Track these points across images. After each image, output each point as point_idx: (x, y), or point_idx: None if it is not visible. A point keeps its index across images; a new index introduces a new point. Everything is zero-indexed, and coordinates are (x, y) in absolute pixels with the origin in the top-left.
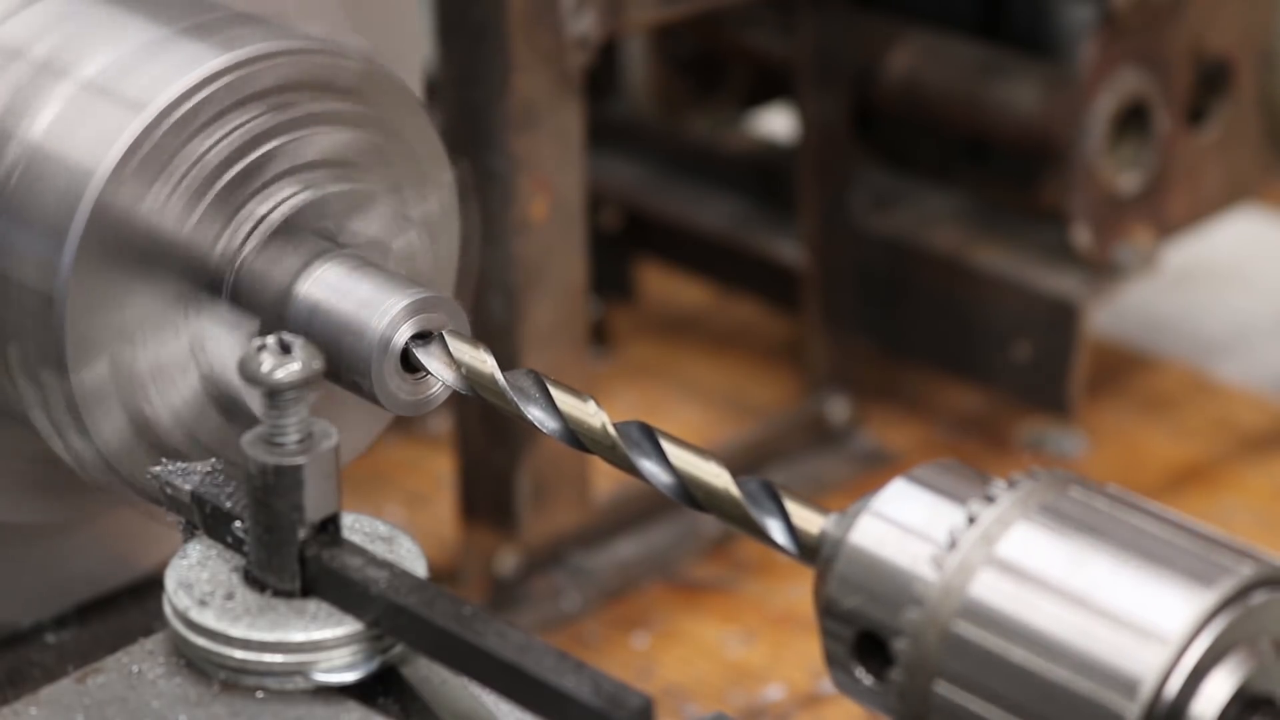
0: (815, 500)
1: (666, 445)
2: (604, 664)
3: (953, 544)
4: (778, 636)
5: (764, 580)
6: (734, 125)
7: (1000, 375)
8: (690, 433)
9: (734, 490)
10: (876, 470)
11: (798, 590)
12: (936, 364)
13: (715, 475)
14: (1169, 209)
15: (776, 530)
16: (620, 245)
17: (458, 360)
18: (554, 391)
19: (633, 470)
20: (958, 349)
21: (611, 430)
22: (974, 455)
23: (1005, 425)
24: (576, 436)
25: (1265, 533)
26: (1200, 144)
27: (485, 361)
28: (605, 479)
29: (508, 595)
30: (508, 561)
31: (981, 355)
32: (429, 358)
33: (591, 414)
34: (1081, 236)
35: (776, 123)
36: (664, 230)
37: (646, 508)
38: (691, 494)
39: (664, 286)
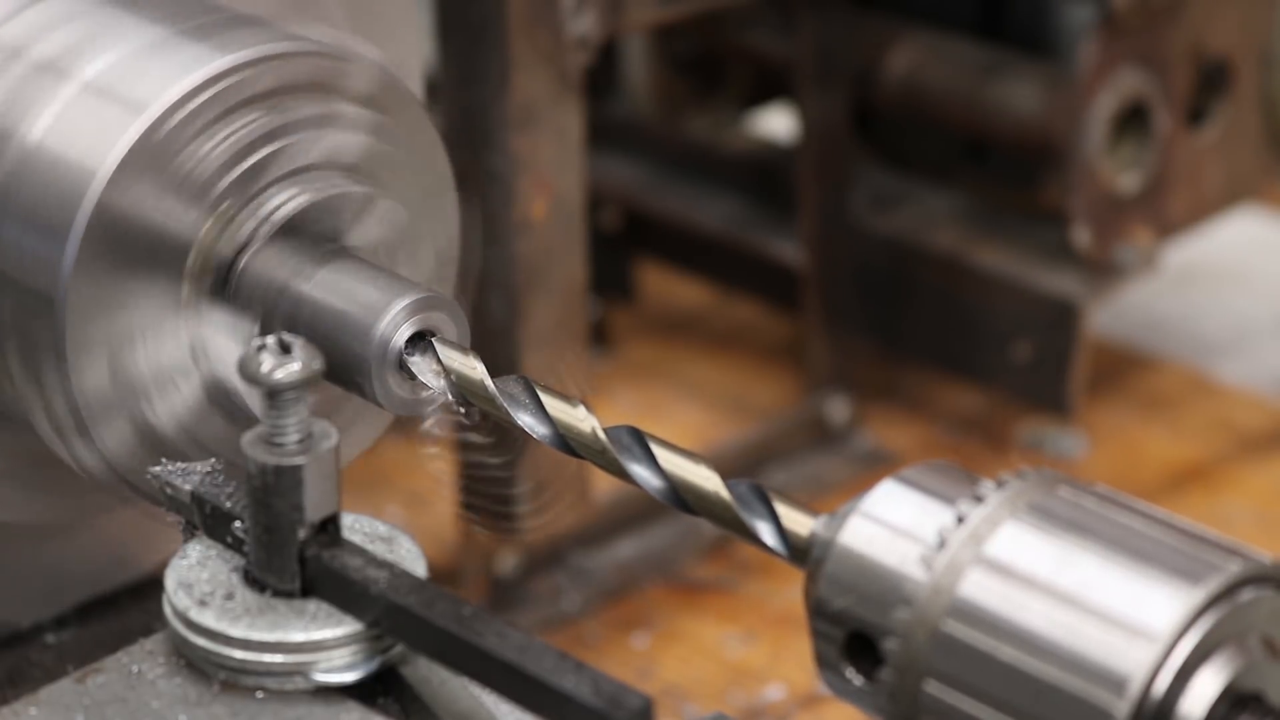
0: (814, 501)
1: (656, 449)
2: (604, 664)
3: (942, 544)
4: (778, 636)
5: (764, 580)
6: (734, 125)
7: (1000, 375)
8: (690, 433)
9: (724, 493)
10: (876, 470)
11: (798, 590)
12: (936, 364)
13: (705, 479)
14: (1169, 209)
15: (766, 532)
16: (620, 245)
17: (447, 368)
18: (544, 397)
19: (623, 475)
20: (958, 349)
21: (601, 435)
22: (974, 455)
23: (1005, 425)
24: (567, 442)
25: (1265, 533)
26: (1200, 144)
27: (475, 368)
28: (605, 479)
29: (508, 595)
30: (508, 561)
31: (981, 355)
32: (420, 366)
33: (581, 419)
34: (1081, 236)
35: (776, 123)
36: (664, 230)
37: (646, 508)
38: (682, 497)
39: (664, 286)
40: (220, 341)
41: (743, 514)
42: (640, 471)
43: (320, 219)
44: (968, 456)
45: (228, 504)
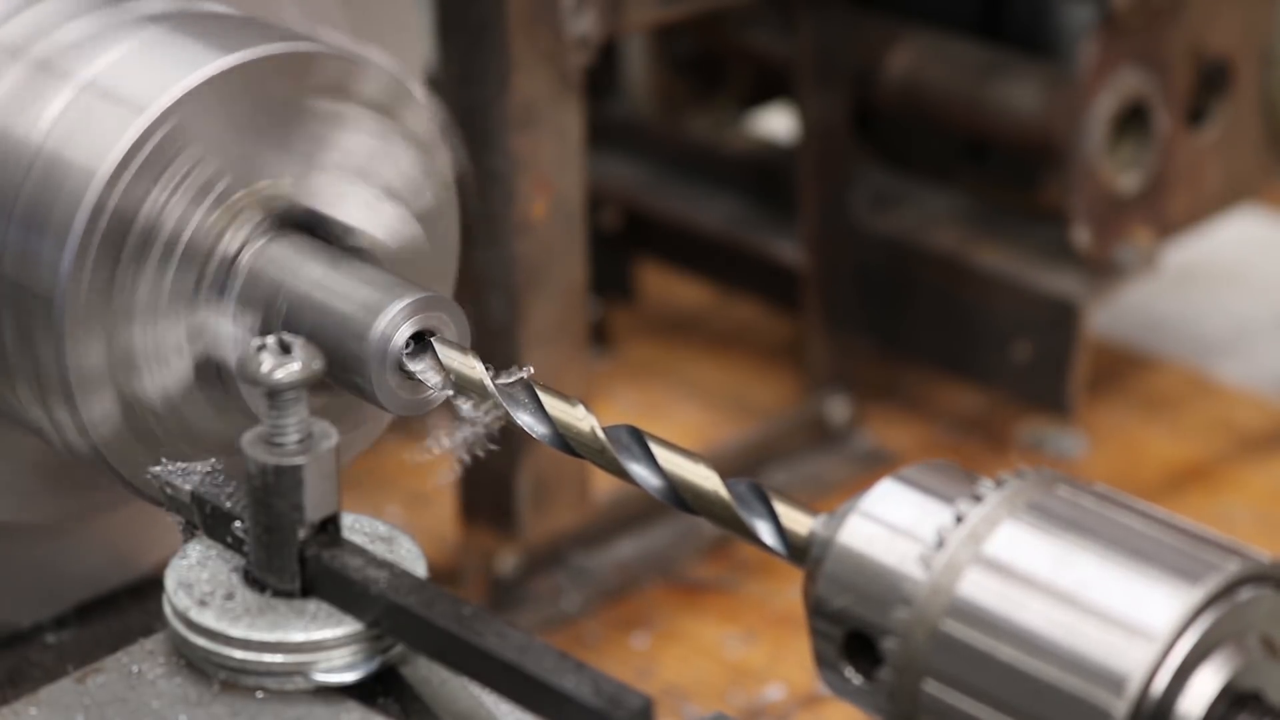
0: (814, 501)
1: (655, 448)
2: (604, 664)
3: (940, 543)
4: (778, 636)
5: (764, 580)
6: (734, 125)
7: (1000, 375)
8: (690, 433)
9: (723, 492)
10: (876, 470)
11: (798, 590)
12: (936, 364)
13: (704, 478)
14: (1169, 209)
15: (765, 531)
16: (620, 245)
17: (447, 367)
18: (543, 396)
19: (622, 474)
20: (958, 349)
21: (600, 434)
22: (974, 455)
23: (1005, 425)
24: (566, 441)
25: (1265, 533)
26: (1200, 144)
27: (475, 368)
28: (605, 479)
29: (508, 595)
30: (508, 561)
31: (981, 355)
32: (420, 365)
33: (580, 418)
34: (1081, 236)
35: (776, 123)
36: (664, 230)
37: (646, 508)
38: (681, 497)
39: (664, 286)
40: (220, 341)
41: (742, 513)
42: (640, 471)
43: (320, 219)
44: (968, 456)
45: (228, 504)
